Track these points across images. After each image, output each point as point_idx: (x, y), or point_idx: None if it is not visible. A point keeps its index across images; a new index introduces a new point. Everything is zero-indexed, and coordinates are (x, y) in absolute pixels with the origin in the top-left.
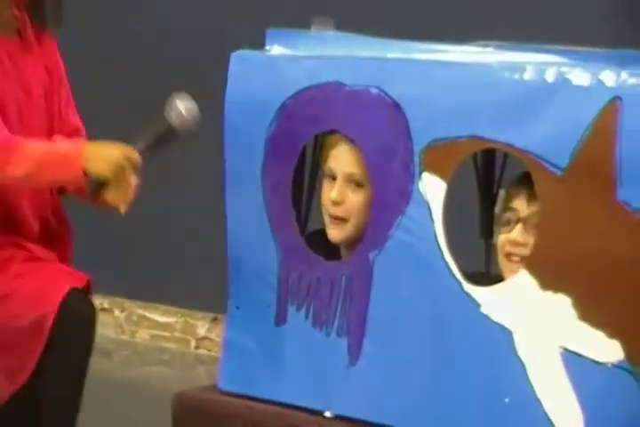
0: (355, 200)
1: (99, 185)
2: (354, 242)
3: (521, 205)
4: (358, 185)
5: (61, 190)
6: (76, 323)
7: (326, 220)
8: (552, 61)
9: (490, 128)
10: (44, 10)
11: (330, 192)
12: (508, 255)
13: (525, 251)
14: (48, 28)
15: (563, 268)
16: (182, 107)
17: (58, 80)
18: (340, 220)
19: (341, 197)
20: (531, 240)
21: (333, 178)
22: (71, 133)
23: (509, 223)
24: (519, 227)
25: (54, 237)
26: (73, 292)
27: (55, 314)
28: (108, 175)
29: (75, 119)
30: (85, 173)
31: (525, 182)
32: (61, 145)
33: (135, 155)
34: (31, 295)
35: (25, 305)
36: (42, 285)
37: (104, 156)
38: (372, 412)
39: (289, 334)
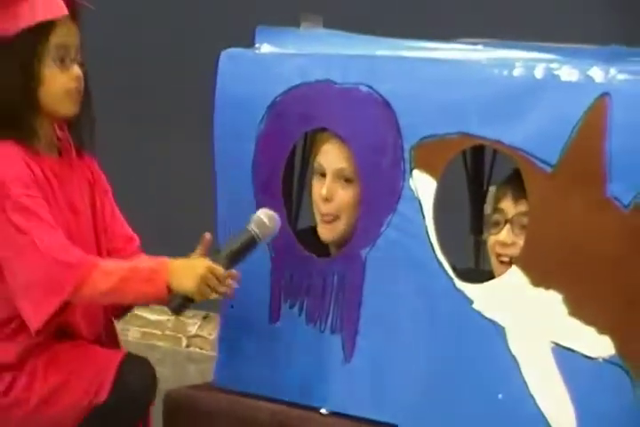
0: (345, 196)
1: (183, 299)
2: (344, 241)
3: (508, 207)
4: (348, 180)
5: (128, 309)
6: (135, 385)
7: (318, 219)
8: (541, 58)
9: (479, 125)
10: (82, 130)
11: (320, 189)
12: (499, 256)
13: (515, 251)
14: (85, 146)
15: (553, 264)
16: (264, 216)
17: (101, 193)
18: (332, 218)
19: (331, 194)
20: (519, 240)
21: (323, 175)
22: (124, 245)
23: (498, 224)
24: (507, 228)
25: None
26: (128, 357)
27: (112, 380)
28: (193, 290)
29: (124, 231)
30: (169, 289)
31: (512, 182)
32: (143, 261)
33: (219, 268)
34: (87, 376)
35: (83, 388)
36: (94, 361)
37: (188, 271)
38: (367, 408)
39: (283, 332)
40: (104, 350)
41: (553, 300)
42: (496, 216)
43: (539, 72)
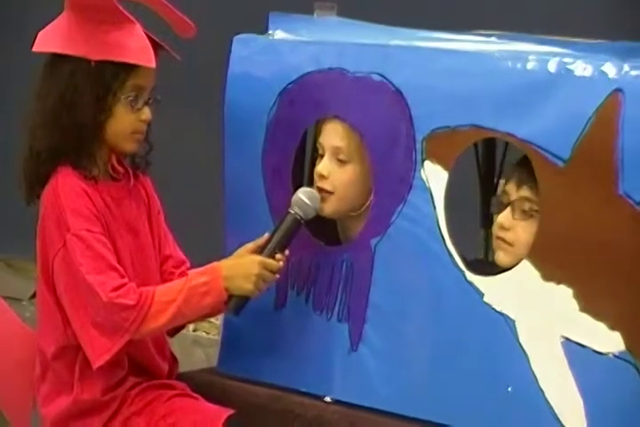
0: (341, 175)
1: (240, 299)
2: (347, 219)
3: (511, 189)
4: (342, 161)
5: (183, 326)
6: None
7: None
8: (555, 52)
9: (491, 118)
10: (139, 157)
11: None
12: (497, 239)
13: (512, 236)
14: (140, 169)
15: (564, 259)
16: (304, 196)
17: (156, 215)
18: (326, 192)
19: (327, 171)
20: (518, 225)
21: (322, 155)
22: (175, 269)
23: (501, 206)
24: (507, 210)
25: (172, 375)
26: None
27: None
28: (251, 289)
29: (176, 254)
30: (228, 293)
31: (519, 167)
32: (194, 275)
33: (272, 262)
34: None
35: None
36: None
37: (243, 271)
38: (372, 398)
39: (288, 318)
40: (198, 413)
41: (564, 295)
42: (501, 197)
43: (552, 66)
